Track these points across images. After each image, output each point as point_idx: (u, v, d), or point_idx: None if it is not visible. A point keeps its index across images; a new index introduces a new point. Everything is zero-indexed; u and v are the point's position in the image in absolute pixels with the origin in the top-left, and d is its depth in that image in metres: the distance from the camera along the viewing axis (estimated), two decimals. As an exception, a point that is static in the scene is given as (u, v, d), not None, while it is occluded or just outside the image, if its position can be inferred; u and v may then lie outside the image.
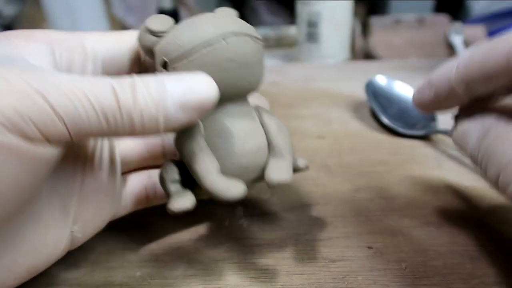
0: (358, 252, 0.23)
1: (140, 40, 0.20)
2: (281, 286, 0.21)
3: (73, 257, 0.23)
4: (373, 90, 0.39)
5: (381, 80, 0.40)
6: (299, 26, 0.52)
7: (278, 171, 0.19)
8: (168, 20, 0.20)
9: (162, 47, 0.19)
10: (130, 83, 0.16)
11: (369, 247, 0.23)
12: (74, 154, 0.20)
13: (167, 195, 0.20)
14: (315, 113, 0.40)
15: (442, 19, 0.56)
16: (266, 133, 0.21)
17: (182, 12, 0.69)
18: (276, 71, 0.51)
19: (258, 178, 0.21)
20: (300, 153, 0.30)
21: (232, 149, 0.19)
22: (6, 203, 0.15)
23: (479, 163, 0.18)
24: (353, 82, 0.45)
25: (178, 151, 0.20)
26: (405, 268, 0.22)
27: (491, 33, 0.55)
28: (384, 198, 0.27)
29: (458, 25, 0.54)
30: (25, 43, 0.18)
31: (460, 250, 0.23)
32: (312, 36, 0.51)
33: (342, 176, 0.30)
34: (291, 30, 0.65)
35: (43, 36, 0.19)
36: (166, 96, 0.16)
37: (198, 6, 0.78)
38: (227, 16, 0.20)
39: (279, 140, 0.20)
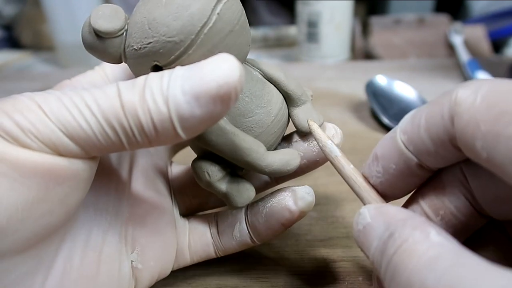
0: (358, 252, 0.23)
1: (89, 46, 0.16)
2: (281, 286, 0.21)
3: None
4: (373, 90, 0.39)
5: (381, 80, 0.40)
6: (299, 26, 0.52)
7: (310, 117, 0.20)
8: (116, 10, 0.16)
9: (140, 50, 0.16)
10: (141, 80, 0.14)
11: (369, 247, 0.23)
12: (111, 170, 0.19)
13: (221, 195, 0.19)
14: (315, 113, 0.39)
15: (442, 19, 0.56)
16: (277, 85, 0.19)
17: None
18: (276, 71, 0.51)
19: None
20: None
21: (264, 122, 0.18)
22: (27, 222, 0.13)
23: (381, 274, 0.14)
24: (353, 82, 0.45)
25: (208, 147, 0.18)
26: (405, 268, 0.22)
27: (491, 33, 0.55)
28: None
29: (458, 25, 0.54)
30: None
31: (460, 250, 0.23)
32: (312, 36, 0.51)
33: (342, 176, 0.30)
34: (291, 30, 0.65)
35: (68, 82, 0.19)
36: (176, 87, 0.13)
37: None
38: None
39: (292, 86, 0.19)
